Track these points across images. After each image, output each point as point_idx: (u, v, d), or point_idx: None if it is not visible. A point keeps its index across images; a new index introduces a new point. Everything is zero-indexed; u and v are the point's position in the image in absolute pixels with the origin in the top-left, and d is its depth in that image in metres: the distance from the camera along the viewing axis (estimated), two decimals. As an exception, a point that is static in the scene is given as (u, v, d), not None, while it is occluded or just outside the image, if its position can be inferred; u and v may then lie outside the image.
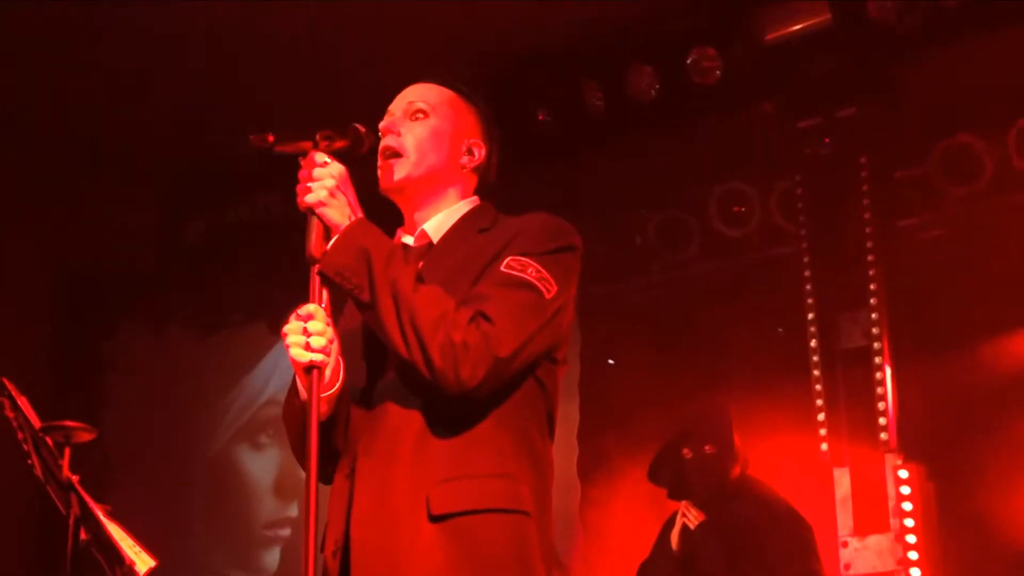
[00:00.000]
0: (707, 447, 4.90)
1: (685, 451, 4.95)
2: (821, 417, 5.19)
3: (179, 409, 7.19)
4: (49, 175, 6.62)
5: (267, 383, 7.11)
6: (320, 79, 5.73)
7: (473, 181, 2.52)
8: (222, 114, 5.95)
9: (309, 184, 2.21)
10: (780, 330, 5.59)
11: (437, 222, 2.44)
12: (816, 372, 5.24)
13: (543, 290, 2.25)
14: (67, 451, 3.42)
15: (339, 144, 2.26)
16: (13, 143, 6.43)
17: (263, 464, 7.06)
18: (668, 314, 5.87)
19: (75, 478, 3.38)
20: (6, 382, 3.46)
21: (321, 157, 2.23)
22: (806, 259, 5.36)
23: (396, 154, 2.43)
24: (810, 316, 5.31)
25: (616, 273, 5.97)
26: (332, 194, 2.21)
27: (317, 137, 2.24)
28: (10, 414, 3.44)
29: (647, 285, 5.97)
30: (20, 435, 3.44)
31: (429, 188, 2.45)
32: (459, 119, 2.51)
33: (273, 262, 6.56)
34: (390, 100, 2.52)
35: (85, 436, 3.45)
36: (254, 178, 6.70)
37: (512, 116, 5.59)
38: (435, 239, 2.43)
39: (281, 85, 5.80)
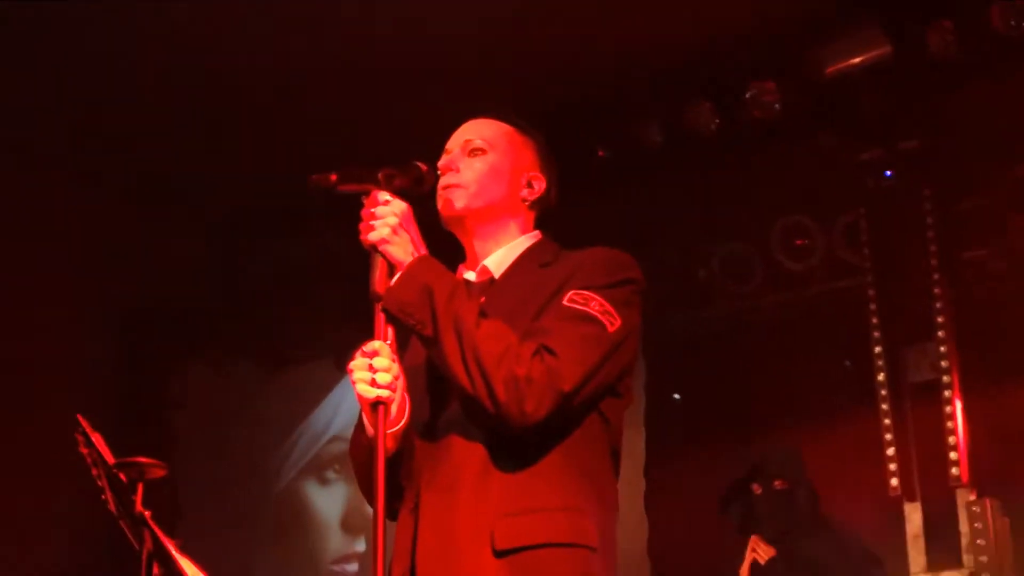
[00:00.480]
0: (776, 482, 4.88)
1: (755, 487, 4.93)
2: (891, 452, 5.13)
3: (246, 445, 7.25)
4: (111, 211, 6.66)
5: (333, 419, 7.15)
6: (381, 116, 5.78)
7: (532, 215, 2.54)
8: (289, 148, 6.01)
9: (372, 222, 2.25)
10: (847, 363, 5.54)
11: (499, 257, 2.47)
12: (884, 406, 5.19)
13: (606, 323, 2.25)
14: (140, 487, 3.46)
15: (401, 182, 2.29)
16: (74, 179, 6.51)
17: (330, 499, 7.09)
18: (733, 348, 5.85)
19: (147, 513, 3.42)
20: (80, 419, 3.52)
21: (384, 195, 2.26)
22: (871, 292, 5.33)
23: (456, 187, 2.46)
24: (877, 349, 5.26)
25: (680, 307, 5.96)
26: (395, 231, 2.24)
27: (379, 176, 2.27)
28: (84, 450, 3.49)
29: (711, 318, 5.95)
30: (95, 471, 3.49)
31: (489, 221, 2.48)
32: (517, 153, 2.53)
33: (340, 299, 6.59)
34: (447, 138, 2.56)
35: (157, 472, 3.49)
36: (321, 214, 6.75)
37: (571, 153, 5.57)
38: (496, 274, 2.45)
39: (344, 121, 5.84)
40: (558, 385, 2.16)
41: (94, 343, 6.90)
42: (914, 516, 5.06)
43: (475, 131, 2.54)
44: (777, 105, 5.28)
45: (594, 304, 2.26)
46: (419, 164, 2.32)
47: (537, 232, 2.54)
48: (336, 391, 7.10)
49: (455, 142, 2.54)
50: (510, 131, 2.56)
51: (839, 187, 5.45)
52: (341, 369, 6.99)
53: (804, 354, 5.61)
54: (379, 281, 2.21)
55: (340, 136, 5.66)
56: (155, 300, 7.10)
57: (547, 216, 2.58)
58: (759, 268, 5.74)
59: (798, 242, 5.60)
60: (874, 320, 5.29)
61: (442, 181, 2.46)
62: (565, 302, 2.27)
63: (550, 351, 2.18)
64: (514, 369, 2.15)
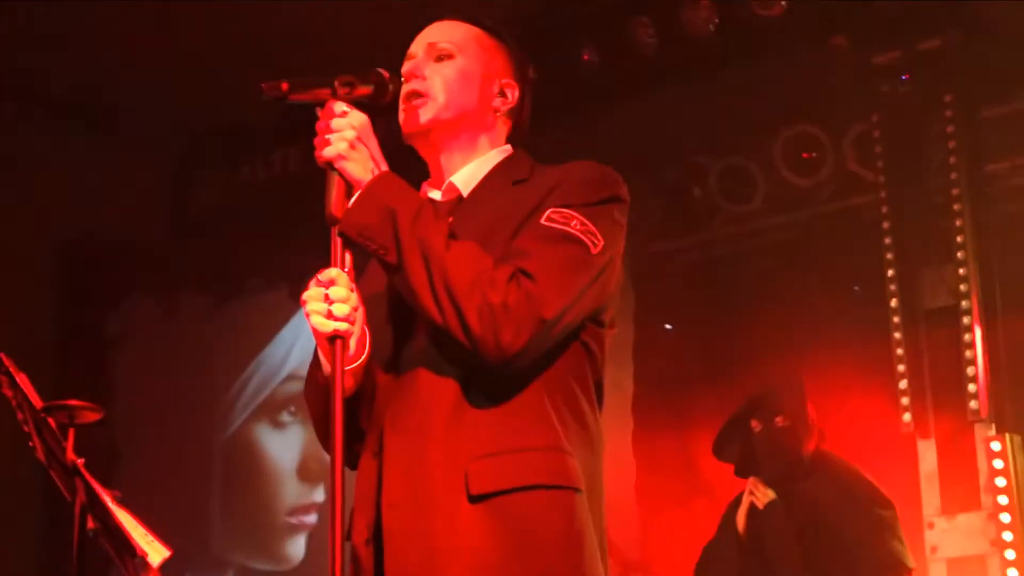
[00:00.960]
0: (778, 419, 4.92)
1: (754, 424, 4.97)
2: (903, 385, 5.17)
3: (192, 386, 7.26)
4: (46, 137, 6.68)
5: (288, 356, 7.17)
6: (338, 21, 5.74)
7: (506, 127, 2.52)
8: (231, 65, 5.97)
9: (328, 136, 2.22)
10: (857, 289, 5.57)
11: (467, 173, 2.44)
12: (897, 335, 5.23)
13: (589, 244, 2.23)
14: (71, 432, 3.46)
15: (360, 91, 2.26)
16: (7, 102, 6.49)
17: (285, 445, 7.12)
18: (731, 273, 5.87)
19: (80, 461, 3.42)
20: (4, 358, 3.51)
21: (340, 107, 2.23)
22: (884, 209, 5.34)
23: (421, 96, 2.42)
24: (890, 273, 5.29)
25: (673, 229, 5.97)
26: (353, 146, 2.22)
27: (336, 84, 2.24)
28: (8, 392, 3.49)
29: (708, 241, 5.97)
30: (20, 415, 3.48)
31: (458, 134, 2.45)
32: (488, 58, 2.50)
33: (292, 223, 6.57)
34: (411, 42, 2.53)
35: (91, 416, 3.50)
36: (269, 133, 6.75)
37: (554, 56, 5.59)
38: (465, 192, 2.43)
39: (294, 29, 5.81)
40: (538, 312, 2.15)
41: (25, 274, 6.92)
42: (928, 454, 5.12)
43: (442, 34, 2.50)
44: (782, 2, 5.26)
45: (575, 223, 2.25)
46: (381, 71, 2.29)
47: (509, 146, 2.51)
48: (291, 324, 7.12)
49: (418, 46, 2.50)
50: (480, 34, 2.52)
51: (850, 94, 5.44)
52: (296, 300, 7.00)
53: (810, 279, 5.62)
54: (336, 202, 2.19)
55: (297, 47, 5.61)
56: (92, 230, 7.12)
57: (520, 130, 2.54)
58: (761, 185, 5.75)
59: (805, 155, 5.60)
60: (887, 241, 5.31)
61: (405, 89, 2.42)
62: (543, 221, 2.25)
63: (528, 275, 2.16)
64: (488, 296, 2.14)
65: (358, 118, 2.24)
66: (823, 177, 5.61)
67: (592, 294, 2.26)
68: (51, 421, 3.47)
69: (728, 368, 5.60)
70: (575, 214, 2.26)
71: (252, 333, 7.31)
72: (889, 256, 5.30)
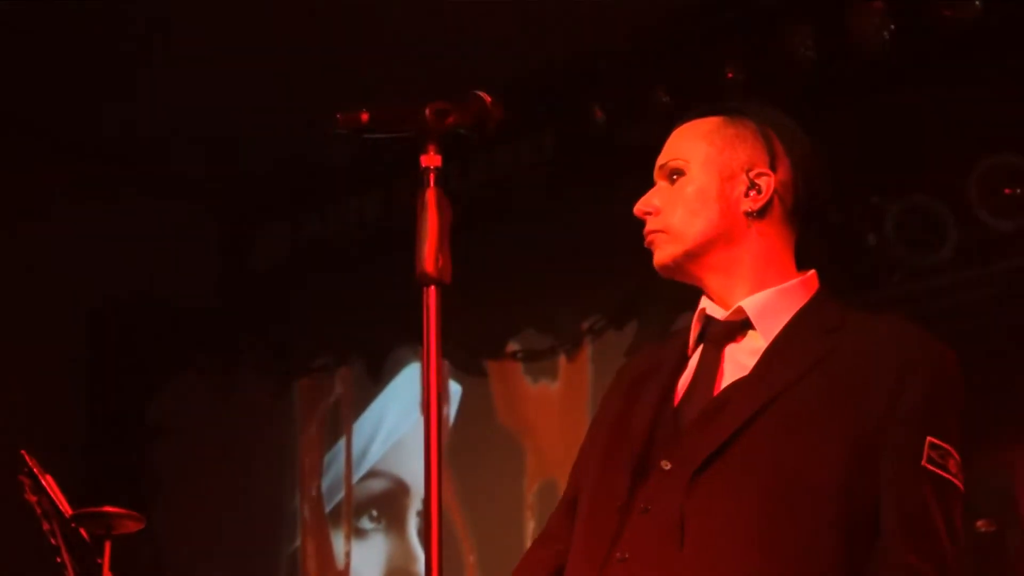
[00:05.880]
0: (980, 523, 4.87)
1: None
2: None
3: (252, 486, 7.30)
4: (77, 186, 6.77)
5: (367, 449, 7.18)
6: (420, 49, 5.81)
7: (781, 233, 2.59)
8: (298, 96, 6.05)
9: None
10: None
11: (760, 302, 2.53)
12: None
13: (961, 489, 2.43)
14: (107, 545, 3.47)
15: (457, 119, 2.28)
16: (28, 140, 6.61)
17: (367, 556, 7.12)
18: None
19: (118, 582, 3.43)
20: (26, 456, 3.54)
21: None
22: (1117, 259, 5.26)
23: (655, 232, 2.58)
24: None
25: (840, 285, 5.89)
26: None
27: (427, 112, 2.26)
28: (32, 498, 3.51)
29: (885, 301, 5.89)
30: (46, 525, 3.50)
31: (713, 259, 2.55)
32: (729, 155, 2.57)
33: (370, 286, 6.62)
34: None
35: (131, 526, 3.51)
36: (343, 175, 6.80)
37: (691, 74, 5.63)
38: (757, 322, 2.52)
39: (371, 59, 5.88)
40: None
41: (52, 349, 6.98)
42: None
43: (672, 148, 2.62)
44: (976, 2, 5.21)
45: (952, 463, 2.41)
46: (481, 94, 2.31)
47: (807, 275, 2.61)
48: (370, 410, 7.13)
49: (657, 173, 2.64)
50: (717, 125, 2.60)
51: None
52: (375, 378, 7.06)
53: (1015, 348, 5.54)
54: (428, 256, 2.20)
55: (377, 74, 5.69)
56: (133, 294, 7.19)
57: (809, 217, 2.62)
58: (952, 230, 5.67)
59: (1007, 191, 5.53)
60: (1122, 299, 5.23)
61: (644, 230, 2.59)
62: (925, 463, 2.38)
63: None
64: None
65: None
66: (1031, 219, 5.54)
67: None
68: (83, 532, 3.49)
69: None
70: (952, 452, 2.42)
71: (323, 422, 7.33)
72: None
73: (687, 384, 2.55)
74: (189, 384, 7.46)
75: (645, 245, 2.60)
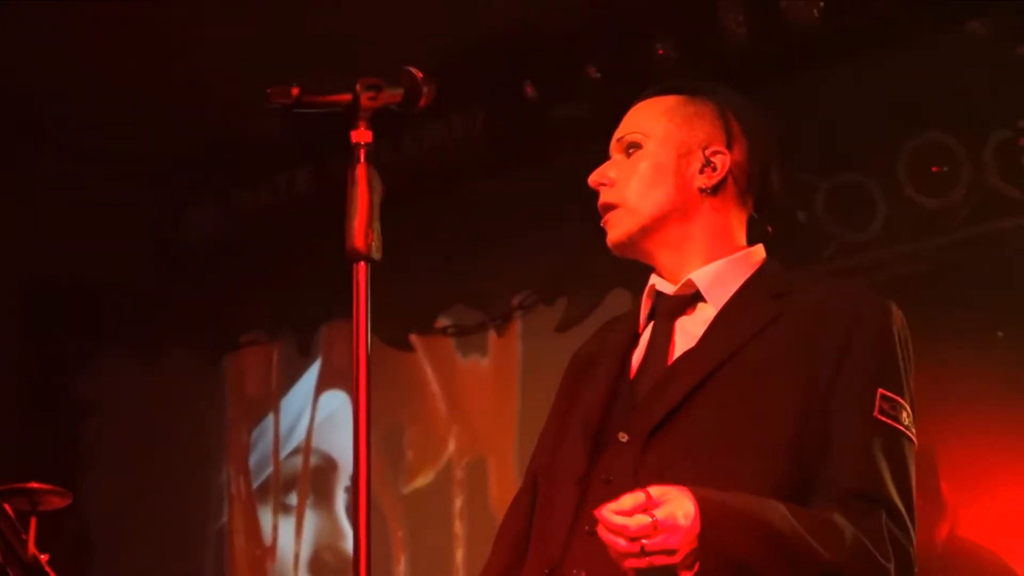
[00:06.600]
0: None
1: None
2: (1063, 458, 5.12)
3: (180, 462, 7.28)
4: (9, 167, 6.72)
5: (295, 425, 7.17)
6: (353, 25, 5.79)
7: (733, 210, 2.65)
8: (226, 72, 6.02)
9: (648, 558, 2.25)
10: (1000, 335, 5.51)
11: (710, 274, 2.58)
12: (1053, 393, 5.18)
13: (914, 442, 2.51)
14: (33, 521, 3.45)
15: (388, 97, 2.30)
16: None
17: (292, 534, 7.11)
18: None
19: (44, 557, 3.42)
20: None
21: (641, 521, 2.23)
22: (1037, 235, 5.30)
23: (610, 207, 2.60)
24: (1043, 315, 5.25)
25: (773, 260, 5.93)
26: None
27: (358, 88, 2.27)
28: (-44, 474, 3.49)
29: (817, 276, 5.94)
30: (-31, 502, 3.48)
31: (666, 233, 2.60)
32: (687, 131, 2.62)
33: (300, 261, 6.61)
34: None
35: (57, 501, 3.49)
36: (274, 152, 6.77)
37: (621, 50, 5.62)
38: (706, 292, 2.56)
39: (304, 34, 5.86)
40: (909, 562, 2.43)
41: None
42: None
43: (630, 124, 2.67)
44: (905, -20, 5.26)
45: (905, 415, 2.48)
46: (412, 70, 2.33)
47: (755, 248, 2.67)
48: (299, 386, 7.12)
49: (612, 147, 2.68)
50: (676, 103, 2.66)
51: (991, 93, 5.39)
52: (305, 354, 7.05)
53: (941, 323, 5.57)
54: (359, 232, 2.22)
55: (305, 50, 5.66)
56: (62, 269, 7.16)
57: (765, 197, 2.69)
58: (881, 207, 5.71)
59: (934, 169, 5.56)
60: (1040, 274, 5.27)
61: (599, 200, 2.61)
62: (877, 413, 2.43)
63: (898, 526, 2.42)
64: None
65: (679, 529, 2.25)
66: (957, 196, 5.56)
67: None
68: (8, 508, 3.47)
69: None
70: (904, 403, 2.48)
71: (251, 397, 7.32)
72: (1043, 293, 5.26)
73: (641, 359, 2.60)
74: (118, 359, 7.43)
75: (601, 224, 2.63)
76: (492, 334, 6.56)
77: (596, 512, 2.23)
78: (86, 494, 5.91)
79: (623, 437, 2.47)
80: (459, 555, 6.42)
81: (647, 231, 2.59)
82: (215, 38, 5.99)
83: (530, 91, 5.92)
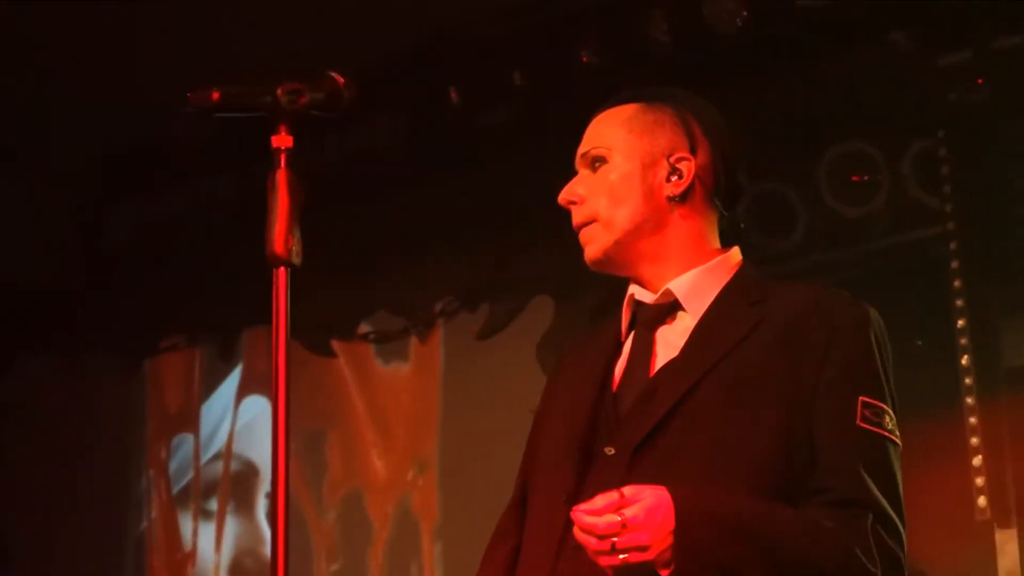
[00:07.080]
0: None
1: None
2: (977, 462, 5.14)
3: (100, 467, 7.23)
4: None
5: (216, 430, 7.14)
6: (274, 28, 5.77)
7: (703, 215, 2.65)
8: (148, 75, 5.98)
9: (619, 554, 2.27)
10: (919, 343, 5.55)
11: (687, 282, 2.58)
12: (970, 400, 5.20)
13: (899, 446, 2.53)
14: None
15: (308, 100, 2.30)
16: None
17: (213, 539, 7.08)
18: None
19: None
20: None
21: (609, 520, 2.26)
22: (953, 245, 5.32)
23: (585, 222, 2.61)
24: (960, 323, 5.27)
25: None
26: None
27: (279, 92, 2.27)
28: None
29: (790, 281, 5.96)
30: None
31: (642, 246, 2.60)
32: (649, 141, 2.62)
33: (222, 265, 6.57)
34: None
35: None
36: (195, 157, 6.74)
37: (546, 58, 5.62)
38: (685, 302, 2.57)
39: (225, 37, 5.83)
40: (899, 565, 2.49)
41: None
42: (1008, 547, 5.08)
43: (592, 136, 2.67)
44: (830, -10, 5.29)
45: (887, 420, 2.50)
46: (333, 75, 2.33)
47: (735, 252, 2.68)
48: (220, 391, 7.09)
49: (577, 161, 2.68)
50: (635, 111, 2.65)
51: (911, 103, 5.43)
52: (226, 359, 7.02)
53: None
54: (279, 237, 2.21)
55: (230, 52, 5.64)
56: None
57: (731, 198, 2.70)
58: (801, 215, 5.74)
59: (854, 178, 5.60)
60: (956, 284, 5.30)
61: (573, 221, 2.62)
62: (860, 422, 2.47)
63: (887, 530, 2.47)
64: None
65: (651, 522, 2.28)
66: (877, 205, 5.59)
67: None
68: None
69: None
70: (888, 409, 2.51)
71: (172, 402, 7.28)
72: (959, 303, 5.28)
73: (623, 370, 2.60)
74: (37, 364, 7.39)
75: (580, 241, 2.64)
76: (414, 340, 6.54)
77: (571, 513, 2.25)
78: (2, 499, 5.85)
79: (609, 451, 2.48)
80: (381, 560, 6.42)
81: (621, 245, 2.59)
82: (138, 39, 5.96)
83: (455, 97, 5.91)
